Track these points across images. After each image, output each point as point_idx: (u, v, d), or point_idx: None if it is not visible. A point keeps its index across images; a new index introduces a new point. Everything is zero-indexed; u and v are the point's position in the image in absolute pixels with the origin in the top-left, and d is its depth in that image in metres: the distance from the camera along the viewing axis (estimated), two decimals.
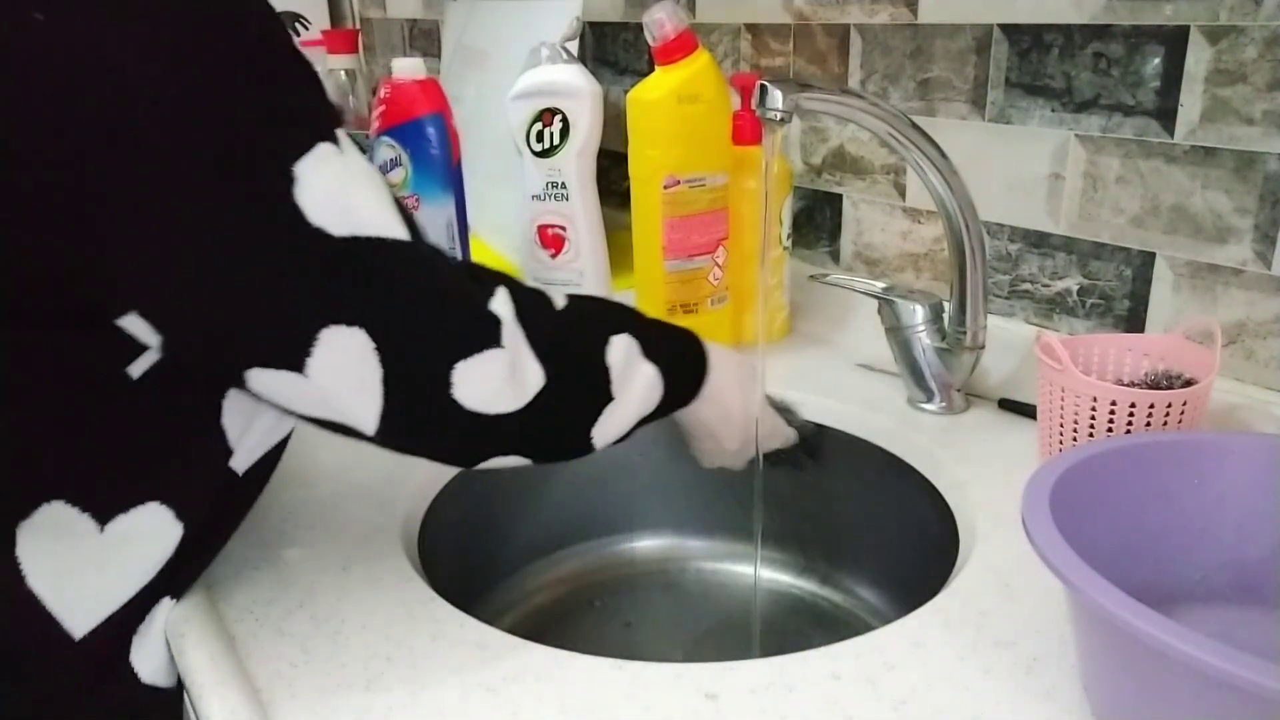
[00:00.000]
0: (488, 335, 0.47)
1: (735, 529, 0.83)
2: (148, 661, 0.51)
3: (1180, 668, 0.34)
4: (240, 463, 0.52)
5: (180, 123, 0.38)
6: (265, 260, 0.41)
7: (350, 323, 0.43)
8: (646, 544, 0.85)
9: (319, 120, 0.43)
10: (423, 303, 0.45)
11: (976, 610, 0.51)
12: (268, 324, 0.42)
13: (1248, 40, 0.62)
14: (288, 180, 0.41)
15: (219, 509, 0.53)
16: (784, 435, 0.71)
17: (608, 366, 0.53)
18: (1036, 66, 0.74)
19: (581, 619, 0.79)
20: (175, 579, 0.51)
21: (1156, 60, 0.67)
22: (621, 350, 0.54)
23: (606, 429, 0.54)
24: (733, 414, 0.64)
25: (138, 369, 0.45)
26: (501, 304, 0.48)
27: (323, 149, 0.42)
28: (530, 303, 0.50)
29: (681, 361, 0.60)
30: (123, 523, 0.47)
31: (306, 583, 0.55)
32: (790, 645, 0.49)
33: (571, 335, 0.53)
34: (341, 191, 0.43)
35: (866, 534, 0.77)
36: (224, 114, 0.40)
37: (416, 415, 0.47)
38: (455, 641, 0.49)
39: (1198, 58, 0.65)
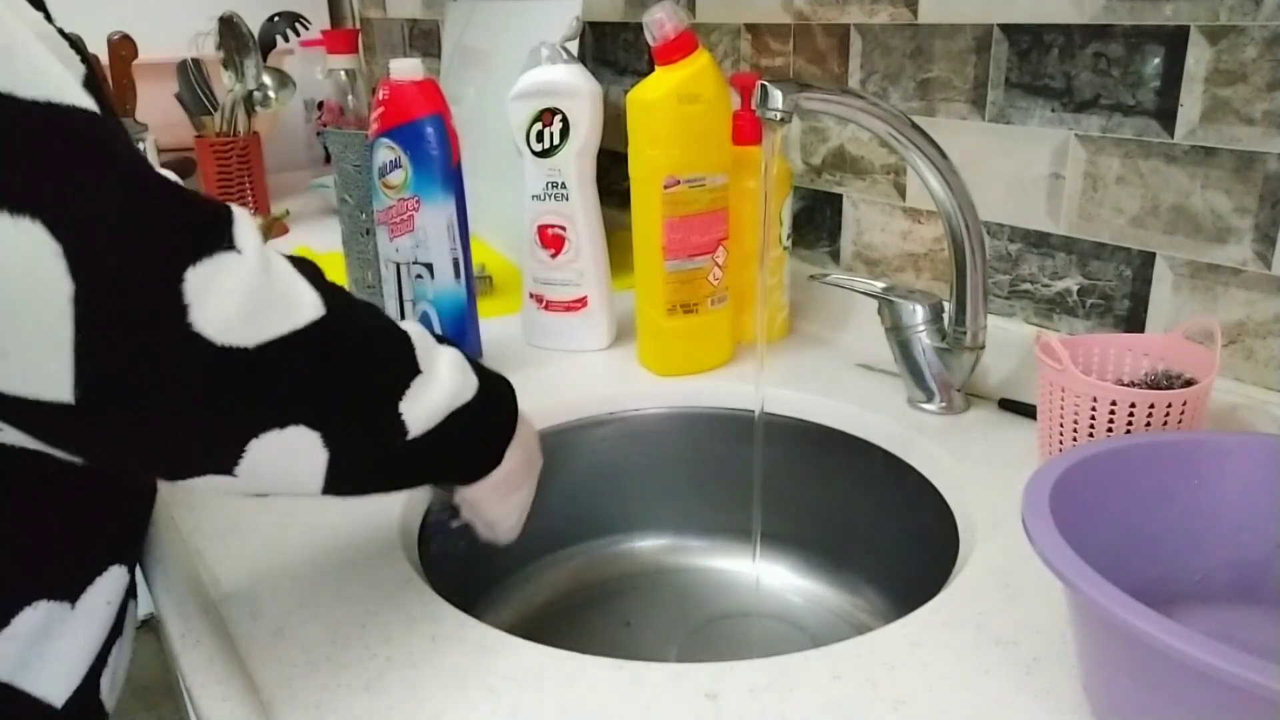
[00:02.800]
0: (217, 230, 0.36)
1: (735, 529, 0.83)
2: (7, 661, 0.44)
3: (1180, 668, 0.34)
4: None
5: None
6: None
7: (14, 211, 0.31)
8: (646, 544, 0.85)
9: None
10: (127, 186, 0.34)
11: (976, 610, 0.51)
12: None
13: (1248, 40, 0.62)
14: None
15: (34, 483, 0.44)
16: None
17: (405, 333, 0.45)
18: (1036, 66, 0.74)
19: (581, 619, 0.79)
20: (24, 571, 0.44)
21: (1156, 60, 0.67)
22: (414, 328, 0.46)
23: (419, 408, 0.44)
24: (533, 466, 0.57)
25: None
26: (236, 213, 0.38)
27: None
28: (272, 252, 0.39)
29: (483, 370, 0.51)
30: None
31: (306, 583, 0.55)
32: (790, 645, 0.49)
33: (347, 294, 0.43)
34: None
35: (866, 534, 0.77)
36: None
37: (134, 349, 0.34)
38: (455, 641, 0.49)
39: (1198, 58, 0.65)
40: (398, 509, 0.63)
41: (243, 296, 0.36)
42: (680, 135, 0.78)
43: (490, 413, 0.51)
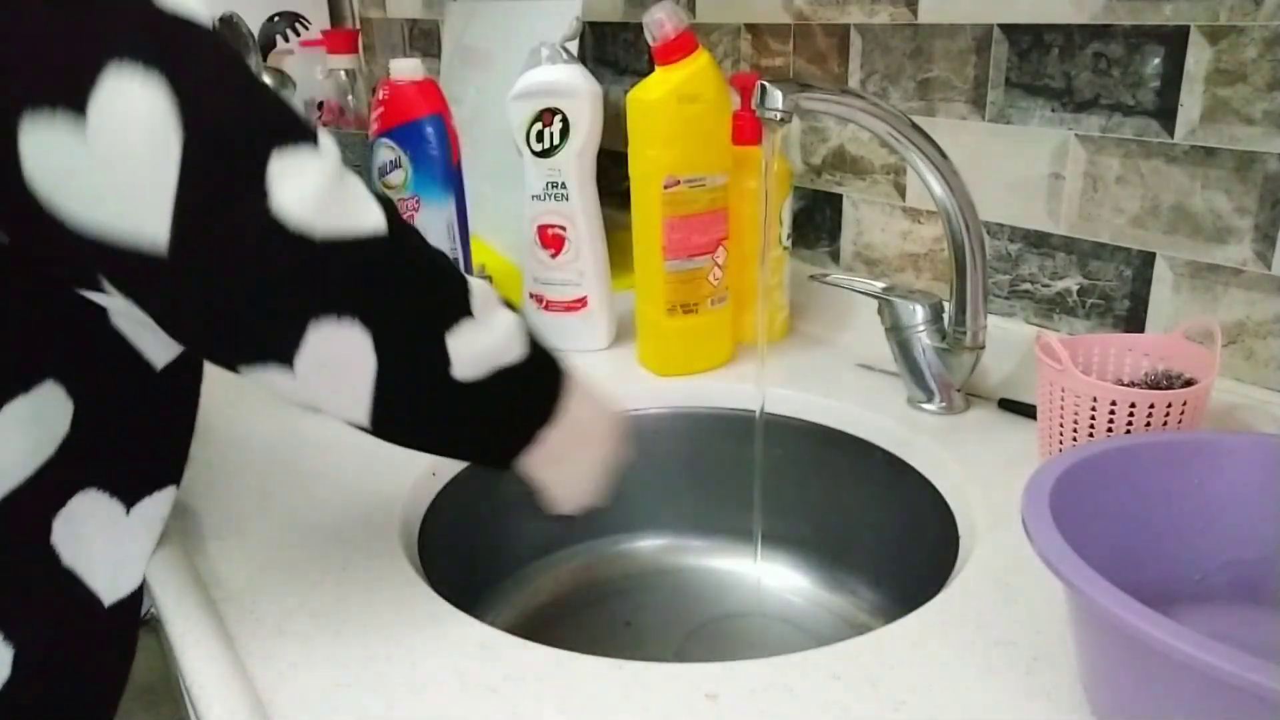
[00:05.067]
0: (305, 129, 0.41)
1: (735, 529, 0.83)
2: (69, 545, 0.49)
3: (1181, 668, 0.34)
4: (148, 347, 0.49)
5: None
6: None
7: (138, 60, 0.37)
8: (646, 544, 0.85)
9: None
10: (234, 72, 0.39)
11: (976, 610, 0.51)
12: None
13: (1248, 40, 0.62)
14: None
15: (123, 391, 0.50)
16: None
17: (464, 279, 0.47)
18: (1036, 66, 0.74)
19: (581, 619, 0.79)
20: (89, 462, 0.49)
21: (1156, 60, 0.67)
22: (479, 284, 0.48)
23: (464, 349, 0.45)
24: (590, 433, 0.55)
25: None
26: (320, 129, 0.43)
27: None
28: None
29: (541, 345, 0.51)
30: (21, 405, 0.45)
31: (307, 583, 0.55)
32: (790, 645, 0.49)
33: (414, 229, 0.46)
34: None
35: (866, 534, 0.77)
36: None
37: (223, 210, 0.38)
38: (455, 641, 0.49)
39: (1198, 58, 0.65)
40: (399, 509, 0.63)
41: (318, 189, 0.40)
42: (680, 135, 0.78)
43: (536, 384, 0.51)
